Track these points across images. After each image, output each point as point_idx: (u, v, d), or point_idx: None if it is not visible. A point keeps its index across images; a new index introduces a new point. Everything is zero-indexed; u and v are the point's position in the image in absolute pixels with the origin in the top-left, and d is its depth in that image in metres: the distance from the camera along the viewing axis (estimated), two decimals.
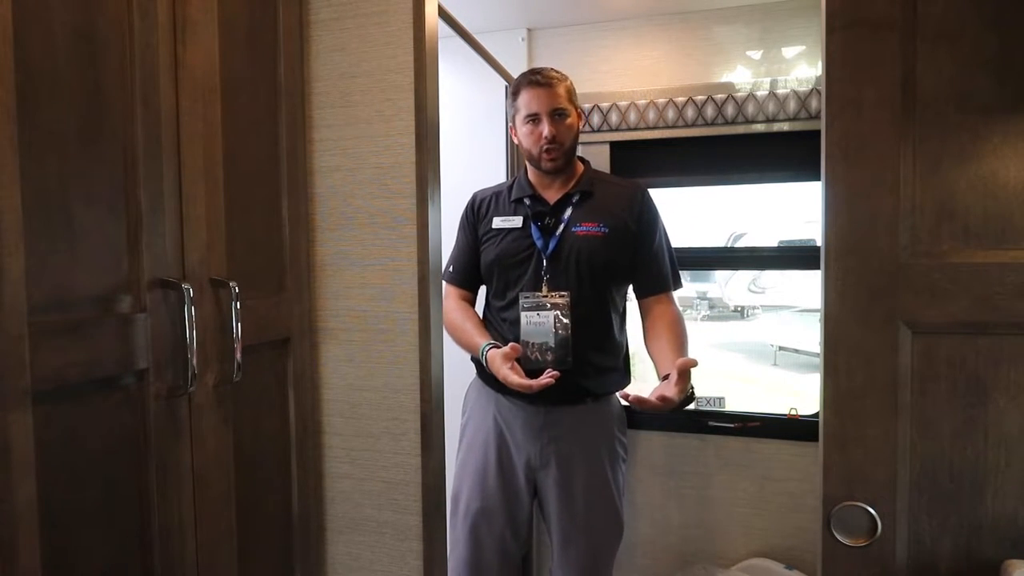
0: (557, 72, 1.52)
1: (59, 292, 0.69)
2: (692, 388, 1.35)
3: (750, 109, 1.84)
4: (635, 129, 1.95)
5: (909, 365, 0.90)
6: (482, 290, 1.66)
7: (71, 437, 0.70)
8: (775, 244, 5.47)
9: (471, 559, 1.56)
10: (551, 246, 1.50)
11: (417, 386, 1.13)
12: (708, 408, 2.02)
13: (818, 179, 0.93)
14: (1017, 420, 0.87)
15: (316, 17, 1.13)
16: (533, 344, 1.48)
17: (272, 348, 1.06)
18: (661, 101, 1.91)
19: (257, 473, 1.01)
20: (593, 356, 1.50)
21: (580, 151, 1.70)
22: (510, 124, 1.60)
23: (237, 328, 0.90)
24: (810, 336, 7.68)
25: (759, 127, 1.84)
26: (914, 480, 0.90)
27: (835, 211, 0.91)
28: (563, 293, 1.48)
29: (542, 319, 1.48)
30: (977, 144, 0.87)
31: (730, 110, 1.86)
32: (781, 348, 8.03)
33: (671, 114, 1.91)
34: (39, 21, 0.66)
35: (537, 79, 1.50)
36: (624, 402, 1.55)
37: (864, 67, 0.90)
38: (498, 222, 1.57)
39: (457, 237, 1.66)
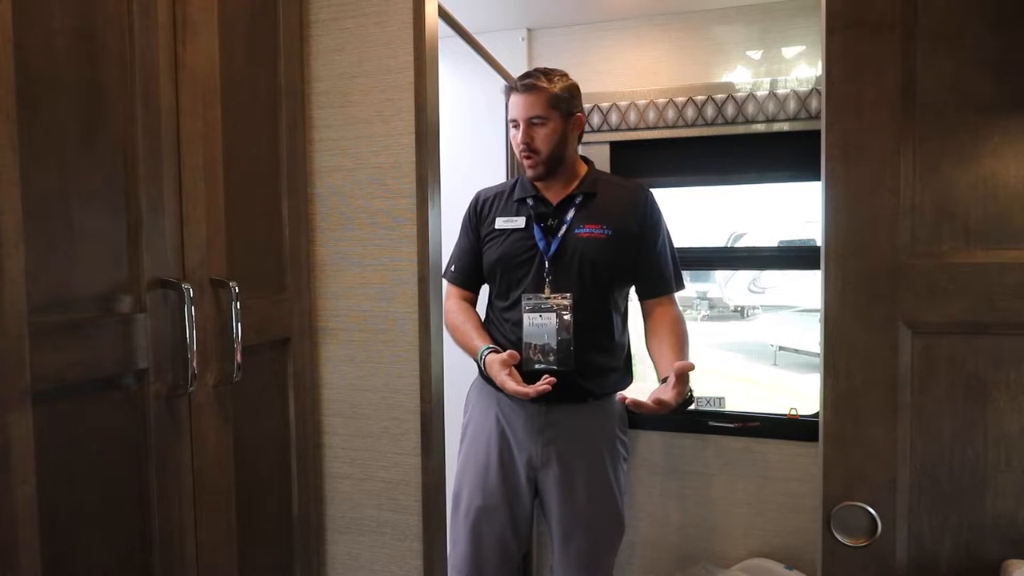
0: (548, 77, 1.48)
1: (59, 292, 0.69)
2: (691, 391, 1.35)
3: (750, 109, 1.84)
4: (635, 129, 1.95)
5: (909, 365, 0.90)
6: (484, 289, 1.66)
7: (71, 437, 0.70)
8: (775, 244, 5.46)
9: (472, 557, 1.56)
10: (553, 248, 1.50)
11: (417, 386, 1.13)
12: (708, 408, 2.01)
13: (818, 179, 0.93)
14: (1017, 420, 0.87)
15: (316, 17, 1.13)
16: (535, 346, 1.48)
17: (272, 348, 1.06)
18: (661, 101, 1.91)
19: (257, 473, 1.01)
20: (595, 357, 1.51)
21: (580, 151, 1.70)
22: None
23: (237, 328, 0.90)
24: (810, 336, 7.68)
25: (759, 127, 1.85)
26: (914, 480, 0.90)
27: (835, 211, 0.91)
28: (565, 295, 1.48)
29: (544, 320, 1.48)
30: (977, 144, 0.87)
31: (730, 110, 1.86)
32: (781, 348, 8.02)
33: (671, 114, 1.91)
34: (39, 21, 0.66)
35: (519, 85, 1.49)
36: None
37: (864, 67, 0.90)
38: (501, 222, 1.57)
39: (459, 236, 1.66)
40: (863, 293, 0.90)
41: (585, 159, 1.63)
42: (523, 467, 1.54)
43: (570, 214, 1.53)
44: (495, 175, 1.96)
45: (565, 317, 1.47)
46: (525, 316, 1.49)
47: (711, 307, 10.66)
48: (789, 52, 1.91)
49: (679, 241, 1.70)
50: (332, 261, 1.16)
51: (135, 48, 0.77)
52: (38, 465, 0.64)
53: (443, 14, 1.36)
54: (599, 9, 1.97)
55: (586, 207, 1.53)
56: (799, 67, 1.89)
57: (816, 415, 1.73)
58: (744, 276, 9.42)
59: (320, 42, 1.13)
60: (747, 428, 1.87)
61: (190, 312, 0.82)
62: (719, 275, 9.67)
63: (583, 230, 1.50)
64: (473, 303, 1.65)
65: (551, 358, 1.47)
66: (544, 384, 1.32)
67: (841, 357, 0.92)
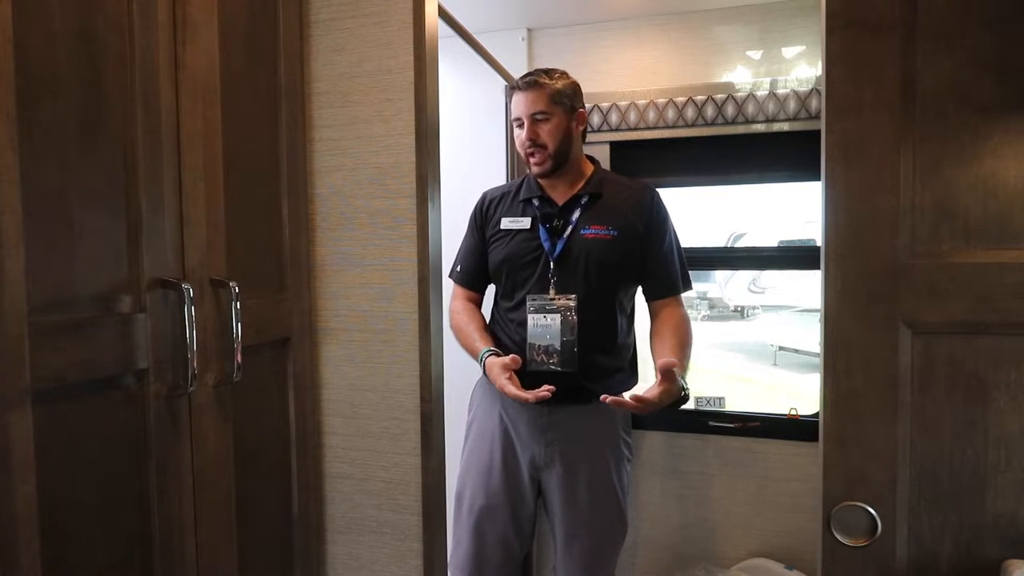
0: (549, 75, 1.51)
1: (59, 292, 0.69)
2: (686, 388, 1.35)
3: (750, 109, 1.84)
4: (635, 129, 1.95)
5: (909, 365, 0.90)
6: (490, 289, 1.66)
7: (71, 437, 0.70)
8: (775, 244, 5.46)
9: (474, 556, 1.56)
10: (558, 248, 1.50)
11: (417, 386, 1.13)
12: (708, 408, 2.02)
13: (818, 179, 0.93)
14: (1017, 420, 0.87)
15: (316, 17, 1.13)
16: (539, 346, 1.48)
17: (272, 348, 1.06)
18: (661, 101, 1.91)
19: (257, 473, 1.01)
20: (599, 358, 1.50)
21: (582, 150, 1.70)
22: None
23: (237, 328, 0.90)
24: (810, 336, 7.67)
25: (759, 127, 1.85)
26: (914, 480, 0.90)
27: (835, 211, 0.91)
28: (570, 296, 1.48)
29: (549, 321, 1.48)
30: (977, 144, 0.87)
31: (730, 110, 1.86)
32: (781, 348, 8.02)
33: (671, 114, 1.91)
34: (39, 21, 0.66)
35: (520, 83, 1.51)
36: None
37: (864, 67, 0.90)
38: (506, 223, 1.57)
39: (465, 236, 1.66)
40: (863, 293, 0.90)
41: (591, 158, 1.63)
42: (526, 467, 1.54)
43: (576, 215, 1.53)
44: (495, 175, 1.96)
45: (570, 318, 1.47)
46: (530, 317, 1.49)
47: (711, 307, 10.64)
48: (789, 52, 1.91)
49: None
50: (332, 261, 1.16)
51: (135, 48, 0.77)
52: (38, 465, 0.64)
53: (443, 14, 1.36)
54: (599, 9, 1.97)
55: (592, 208, 1.53)
56: (799, 67, 1.89)
57: (816, 415, 1.73)
58: (744, 276, 9.41)
59: (320, 42, 1.13)
60: (747, 428, 1.87)
61: (190, 312, 0.82)
62: (719, 275, 9.66)
63: (589, 231, 1.50)
64: (479, 303, 1.65)
65: (555, 359, 1.46)
66: (543, 391, 1.33)
67: (841, 357, 0.92)
